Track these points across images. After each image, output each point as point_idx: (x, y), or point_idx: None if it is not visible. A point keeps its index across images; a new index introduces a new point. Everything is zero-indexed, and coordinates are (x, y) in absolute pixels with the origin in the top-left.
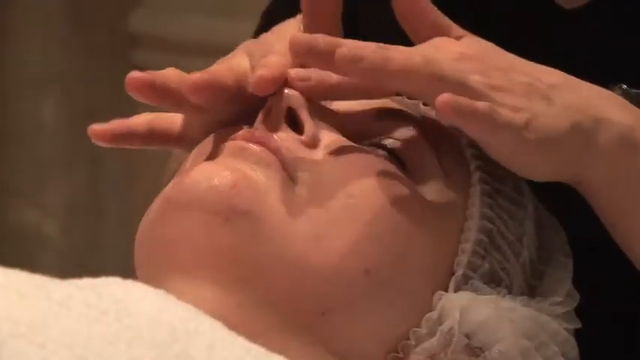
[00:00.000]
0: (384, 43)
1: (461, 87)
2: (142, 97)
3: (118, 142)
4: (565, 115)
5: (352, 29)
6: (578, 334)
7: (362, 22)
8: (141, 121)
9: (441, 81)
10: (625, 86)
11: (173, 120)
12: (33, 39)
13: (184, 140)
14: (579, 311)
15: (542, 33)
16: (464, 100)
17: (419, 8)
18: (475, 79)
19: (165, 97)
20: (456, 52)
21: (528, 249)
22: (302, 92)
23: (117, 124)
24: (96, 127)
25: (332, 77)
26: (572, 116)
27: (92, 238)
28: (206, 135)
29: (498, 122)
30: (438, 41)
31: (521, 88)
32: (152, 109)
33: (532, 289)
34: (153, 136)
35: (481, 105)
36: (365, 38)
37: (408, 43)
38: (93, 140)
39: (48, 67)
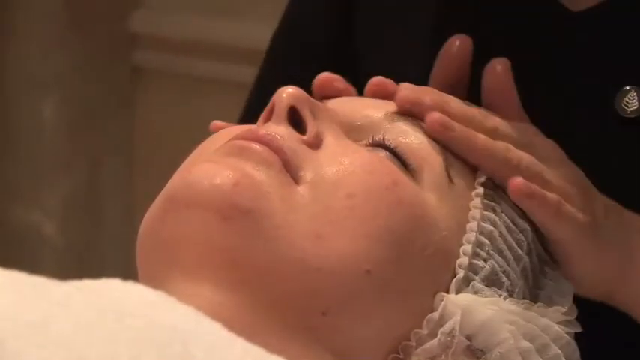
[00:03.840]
0: (384, 35)
1: (536, 177)
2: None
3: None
4: (618, 229)
5: (347, 18)
6: (578, 336)
7: (360, 10)
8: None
9: (518, 169)
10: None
11: None
12: (33, 39)
13: None
14: (580, 312)
15: (551, 36)
16: (536, 188)
17: (507, 89)
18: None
19: None
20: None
21: (529, 256)
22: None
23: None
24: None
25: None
26: (622, 232)
27: (92, 238)
28: None
29: (564, 215)
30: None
31: (587, 194)
32: (149, 109)
33: (533, 297)
34: None
35: (551, 196)
36: (362, 29)
37: (407, 32)
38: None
39: (48, 68)
